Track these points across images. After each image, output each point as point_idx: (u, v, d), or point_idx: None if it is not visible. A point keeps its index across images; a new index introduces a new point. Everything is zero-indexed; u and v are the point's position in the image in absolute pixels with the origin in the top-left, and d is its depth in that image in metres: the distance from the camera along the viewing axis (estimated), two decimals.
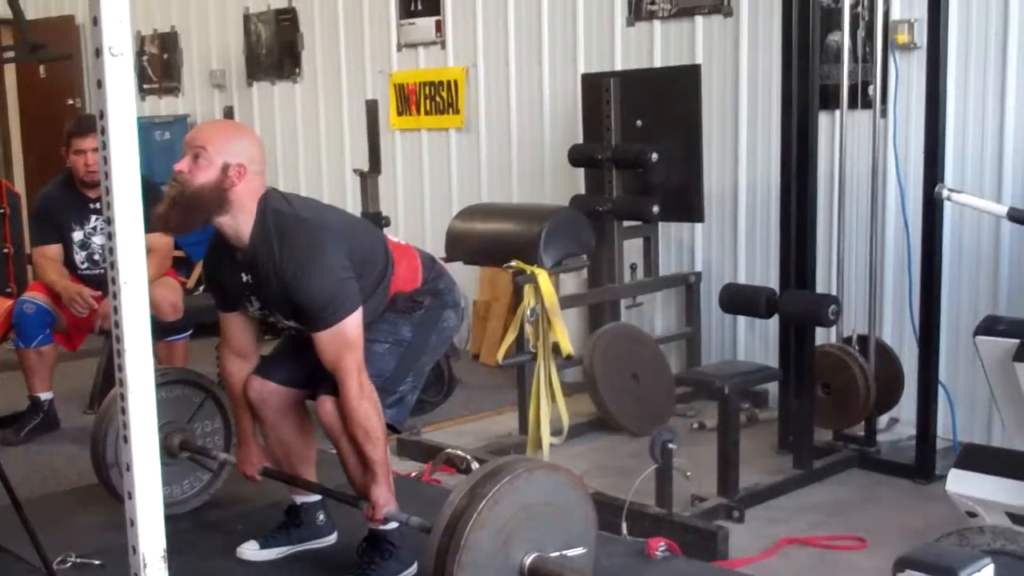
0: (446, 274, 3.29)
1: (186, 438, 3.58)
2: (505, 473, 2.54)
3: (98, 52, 1.68)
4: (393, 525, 3.07)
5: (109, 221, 1.73)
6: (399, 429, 3.17)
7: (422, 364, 3.16)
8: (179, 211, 2.85)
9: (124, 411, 1.81)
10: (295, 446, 3.26)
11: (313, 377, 3.04)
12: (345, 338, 2.85)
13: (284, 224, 2.87)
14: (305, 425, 3.27)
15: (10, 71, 9.70)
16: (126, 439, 1.81)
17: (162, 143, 7.90)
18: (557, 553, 2.60)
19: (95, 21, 1.68)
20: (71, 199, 4.96)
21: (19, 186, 8.84)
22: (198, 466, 3.69)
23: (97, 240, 4.94)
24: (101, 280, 4.87)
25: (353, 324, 2.86)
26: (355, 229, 3.08)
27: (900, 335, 4.66)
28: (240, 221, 2.89)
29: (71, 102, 9.20)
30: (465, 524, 2.44)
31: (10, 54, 7.16)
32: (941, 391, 4.26)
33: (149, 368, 1.81)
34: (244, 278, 2.97)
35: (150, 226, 1.87)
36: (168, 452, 3.50)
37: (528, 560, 2.54)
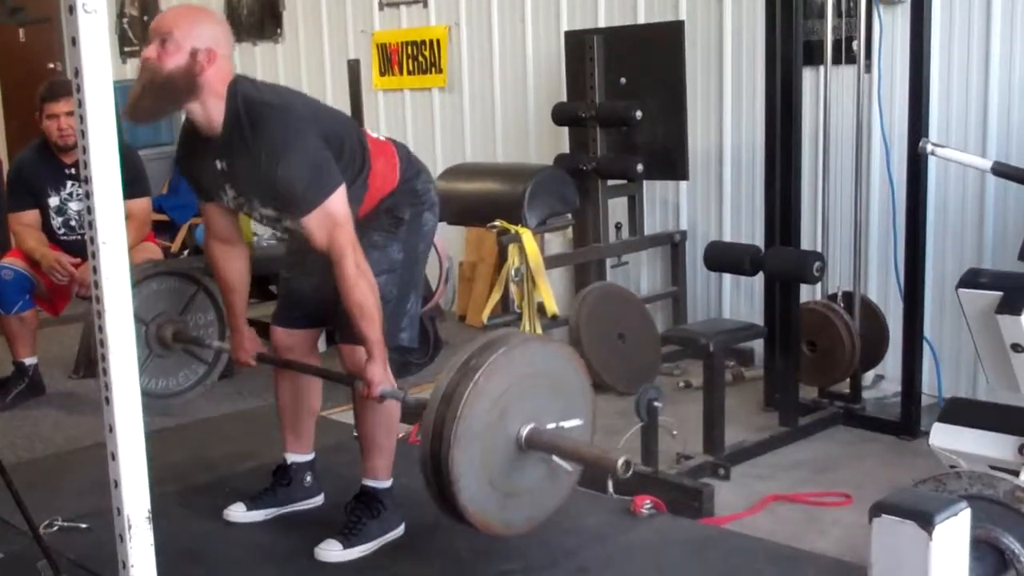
0: (423, 170, 3.23)
1: (179, 328, 3.52)
2: (499, 345, 2.53)
3: (71, 9, 1.65)
4: (385, 484, 3.10)
5: (87, 181, 1.71)
6: (414, 347, 3.19)
7: (418, 274, 3.15)
8: (150, 98, 2.81)
9: (105, 372, 1.80)
10: (307, 396, 3.29)
11: (329, 312, 3.03)
12: (333, 217, 2.79)
13: (256, 109, 2.81)
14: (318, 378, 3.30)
15: None
16: (107, 400, 1.81)
17: None
18: (554, 424, 2.60)
19: None
20: (47, 165, 4.93)
21: (1, 152, 8.78)
22: (193, 358, 3.65)
23: (74, 206, 4.91)
24: (79, 245, 4.85)
25: (338, 201, 2.80)
26: (330, 115, 3.02)
27: (885, 292, 4.67)
28: (211, 107, 2.84)
29: (51, 66, 9.11)
30: (461, 395, 2.45)
31: None
32: (926, 347, 4.28)
33: (130, 330, 1.80)
34: (218, 166, 2.91)
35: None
36: (161, 343, 3.48)
37: (525, 431, 2.55)
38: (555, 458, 2.63)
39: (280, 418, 3.35)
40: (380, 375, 2.87)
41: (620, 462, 2.41)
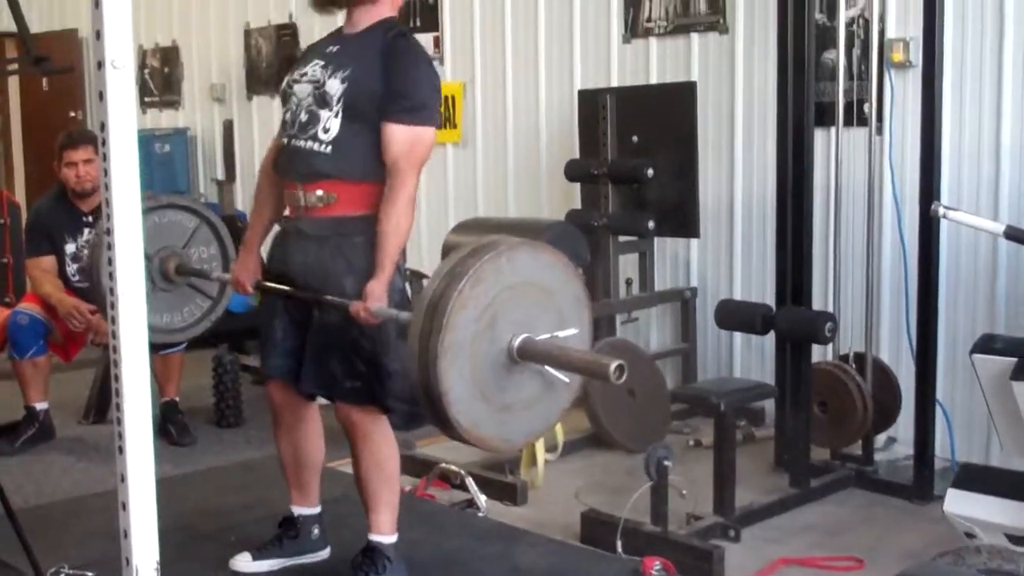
0: None
1: (182, 261, 3.47)
2: (484, 252, 2.43)
3: (100, 64, 1.69)
4: (390, 539, 3.09)
5: (108, 232, 1.73)
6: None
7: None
8: None
9: (120, 421, 1.81)
10: (308, 452, 3.28)
11: (332, 381, 3.03)
12: (420, 141, 2.92)
13: (408, 40, 3.02)
14: (318, 430, 3.29)
15: (13, 83, 9.74)
16: (121, 449, 1.81)
17: (162, 156, 7.93)
18: (548, 335, 2.49)
19: (98, 34, 1.69)
20: (64, 212, 4.98)
21: (20, 197, 8.86)
22: (197, 292, 3.58)
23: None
24: (93, 292, 4.87)
25: (430, 136, 2.95)
26: None
27: (897, 353, 4.66)
28: (367, 15, 3.01)
29: (73, 114, 9.22)
30: (446, 305, 2.34)
31: (14, 66, 7.20)
32: (939, 410, 4.26)
33: (146, 380, 1.81)
34: (330, 48, 3.05)
35: None
36: (165, 277, 3.44)
37: (517, 341, 2.44)
38: (549, 368, 2.50)
39: (283, 472, 3.34)
40: (380, 292, 2.87)
41: (613, 367, 2.29)
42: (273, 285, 3.17)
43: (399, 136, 2.90)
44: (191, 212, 3.58)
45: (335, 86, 2.97)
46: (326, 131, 2.96)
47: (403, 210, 2.90)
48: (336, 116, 2.96)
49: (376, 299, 2.85)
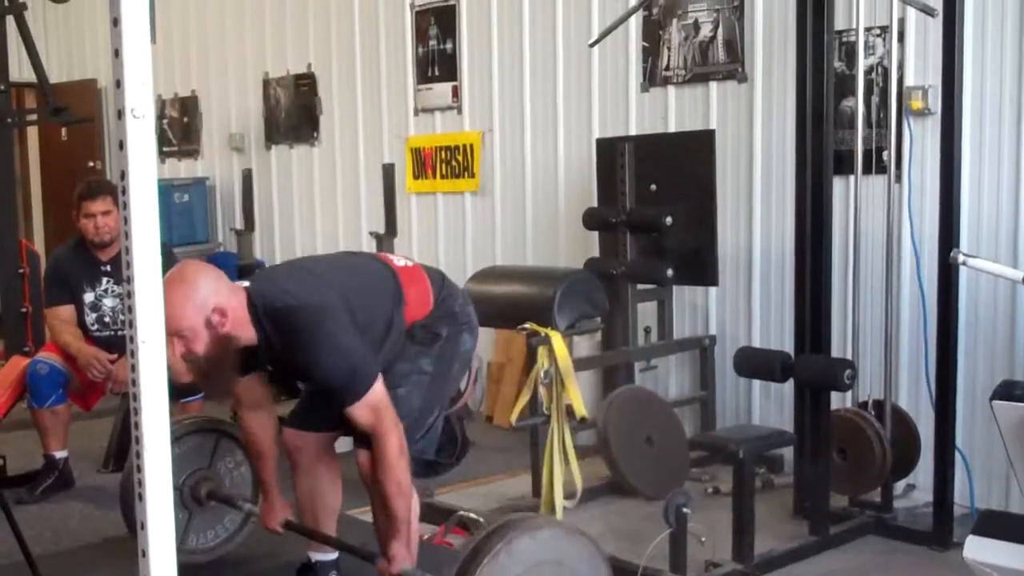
0: (457, 290, 3.29)
1: (213, 487, 3.57)
2: (518, 527, 2.50)
3: (120, 114, 1.70)
4: None
5: (128, 281, 1.74)
6: (429, 457, 3.20)
7: (446, 392, 3.21)
8: (213, 381, 2.98)
9: (139, 469, 1.81)
10: (324, 494, 3.30)
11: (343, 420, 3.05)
12: (375, 404, 2.89)
13: (277, 319, 2.91)
14: (335, 475, 3.32)
15: (33, 133, 9.86)
16: (140, 497, 1.81)
17: (181, 205, 8.00)
18: None
19: (118, 83, 1.70)
20: (83, 261, 5.02)
21: (39, 246, 8.93)
22: (227, 510, 3.68)
23: (108, 302, 4.99)
24: (111, 342, 4.91)
25: (379, 390, 2.90)
26: (352, 286, 3.05)
27: (916, 400, 4.63)
28: (248, 335, 2.94)
29: (91, 164, 9.32)
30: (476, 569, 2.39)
31: (33, 116, 7.27)
32: (958, 457, 4.23)
33: (166, 429, 1.81)
34: (268, 367, 3.09)
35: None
36: (197, 502, 3.54)
37: None
38: None
39: (301, 516, 3.34)
40: (403, 554, 2.91)
41: None
42: (301, 525, 3.29)
43: (355, 414, 2.91)
44: (208, 431, 3.66)
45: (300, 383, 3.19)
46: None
47: (399, 466, 2.91)
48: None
49: (400, 561, 2.90)
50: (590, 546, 2.66)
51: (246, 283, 2.98)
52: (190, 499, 3.55)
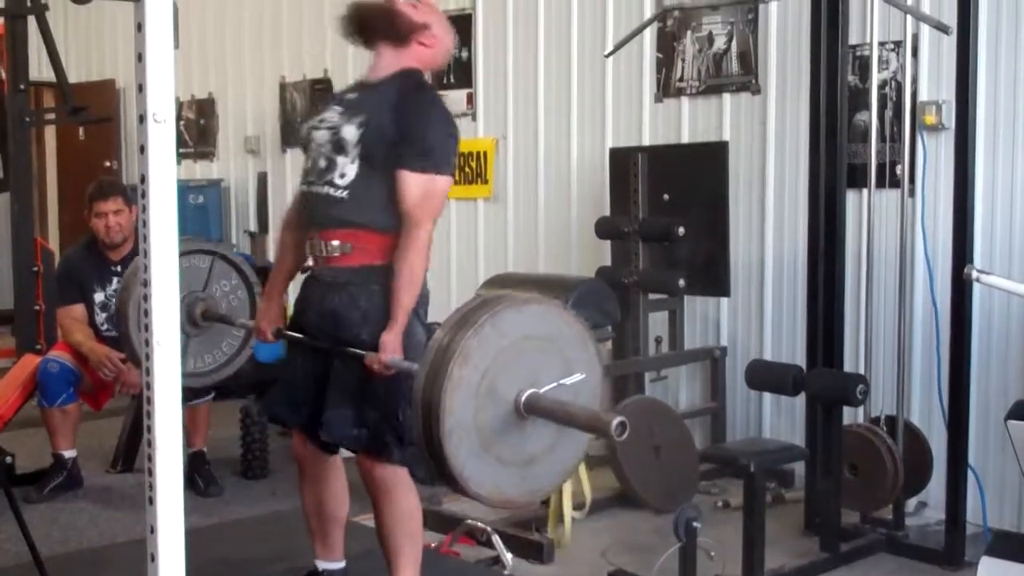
0: None
1: (208, 306, 3.52)
2: (467, 327, 2.39)
3: (142, 118, 1.71)
4: None
5: (146, 284, 1.75)
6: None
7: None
8: (381, 18, 3.06)
9: (151, 472, 1.81)
10: (330, 503, 3.28)
11: (350, 433, 3.03)
12: (433, 189, 2.93)
13: (425, 88, 3.08)
14: (342, 485, 3.29)
15: (50, 132, 9.89)
16: (151, 500, 1.82)
17: (196, 207, 8.02)
18: (553, 383, 2.43)
19: (140, 88, 1.71)
20: (94, 261, 5.04)
21: (54, 244, 8.96)
22: (225, 334, 3.64)
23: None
24: (121, 342, 4.91)
25: (444, 184, 2.96)
26: None
27: (928, 417, 4.61)
28: (391, 62, 3.06)
29: (108, 164, 9.35)
30: (439, 393, 2.31)
31: (51, 116, 7.30)
32: (970, 475, 4.21)
33: (178, 431, 1.82)
34: (350, 96, 3.12)
35: None
36: (192, 323, 3.49)
37: (523, 398, 2.39)
38: None
39: (307, 524, 3.34)
40: (394, 344, 2.88)
41: (614, 424, 2.25)
42: (292, 334, 3.20)
43: (412, 184, 2.92)
44: (202, 252, 3.62)
45: (351, 132, 2.99)
46: (342, 176, 2.99)
47: (417, 260, 2.92)
48: (353, 162, 2.98)
49: (390, 351, 2.87)
50: (583, 330, 2.53)
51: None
52: (186, 321, 3.44)
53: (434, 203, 2.94)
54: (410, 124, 2.94)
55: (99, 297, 5.02)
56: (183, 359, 3.39)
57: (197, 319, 3.52)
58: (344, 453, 3.27)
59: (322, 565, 3.32)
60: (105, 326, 5.00)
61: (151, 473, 1.81)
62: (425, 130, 2.94)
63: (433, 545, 4.12)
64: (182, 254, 3.49)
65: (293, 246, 3.25)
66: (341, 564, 3.33)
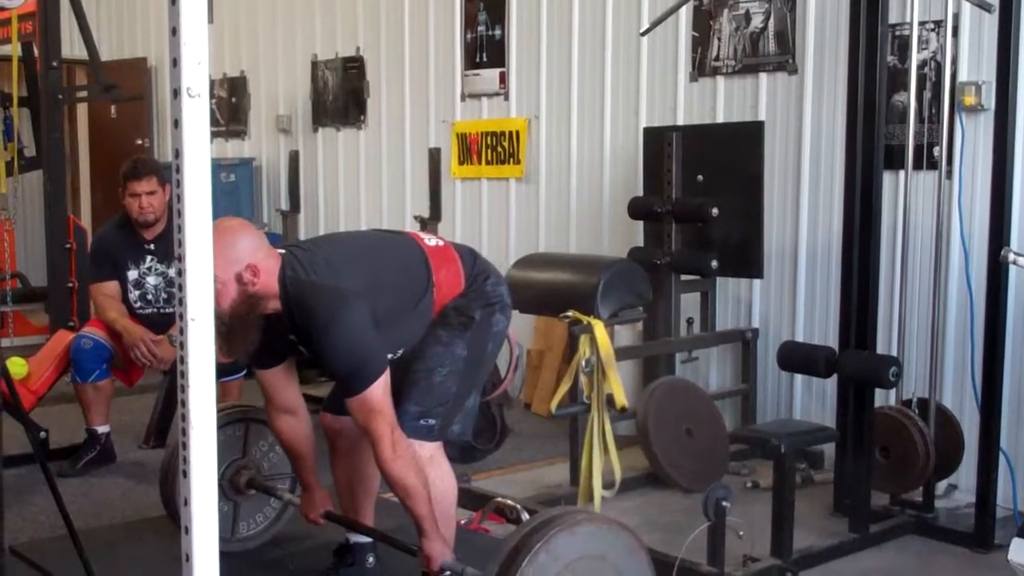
0: (489, 268, 3.24)
1: (252, 475, 3.58)
2: (557, 523, 2.49)
3: (176, 93, 1.71)
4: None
5: (180, 259, 1.75)
6: (467, 441, 3.21)
7: (482, 374, 3.19)
8: (233, 338, 2.89)
9: (185, 446, 1.82)
10: (362, 478, 3.30)
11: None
12: (370, 405, 2.85)
13: (300, 292, 2.89)
14: (372, 459, 3.29)
15: (83, 110, 9.96)
16: (185, 473, 1.83)
17: (227, 185, 8.05)
18: None
19: (174, 62, 1.71)
20: (127, 239, 5.06)
21: (86, 221, 9.03)
22: (266, 500, 3.69)
23: (151, 280, 5.03)
24: (154, 319, 4.95)
25: (378, 392, 2.85)
26: (379, 275, 3.02)
27: (961, 399, 4.58)
28: (273, 303, 2.93)
29: (140, 141, 9.40)
30: (516, 569, 2.39)
31: (84, 93, 7.34)
32: (1002, 458, 4.18)
33: (212, 405, 1.82)
34: (291, 337, 3.01)
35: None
36: (237, 491, 3.55)
37: None
38: None
39: (339, 499, 3.36)
40: (437, 550, 2.88)
41: None
42: (341, 516, 3.29)
43: (351, 408, 2.90)
44: (233, 422, 3.59)
45: None
46: None
47: (395, 467, 2.85)
48: None
49: (437, 558, 2.88)
50: (631, 539, 2.64)
51: (282, 250, 2.98)
52: (231, 490, 3.53)
53: (379, 416, 2.87)
54: (320, 354, 2.92)
55: (132, 275, 5.05)
56: (233, 526, 3.53)
57: (242, 488, 3.58)
58: None
59: (353, 538, 3.34)
60: (138, 303, 5.03)
61: (185, 447, 1.82)
62: (331, 361, 2.92)
63: (463, 522, 4.13)
64: (219, 427, 3.51)
65: (295, 432, 3.23)
66: (371, 538, 3.35)
